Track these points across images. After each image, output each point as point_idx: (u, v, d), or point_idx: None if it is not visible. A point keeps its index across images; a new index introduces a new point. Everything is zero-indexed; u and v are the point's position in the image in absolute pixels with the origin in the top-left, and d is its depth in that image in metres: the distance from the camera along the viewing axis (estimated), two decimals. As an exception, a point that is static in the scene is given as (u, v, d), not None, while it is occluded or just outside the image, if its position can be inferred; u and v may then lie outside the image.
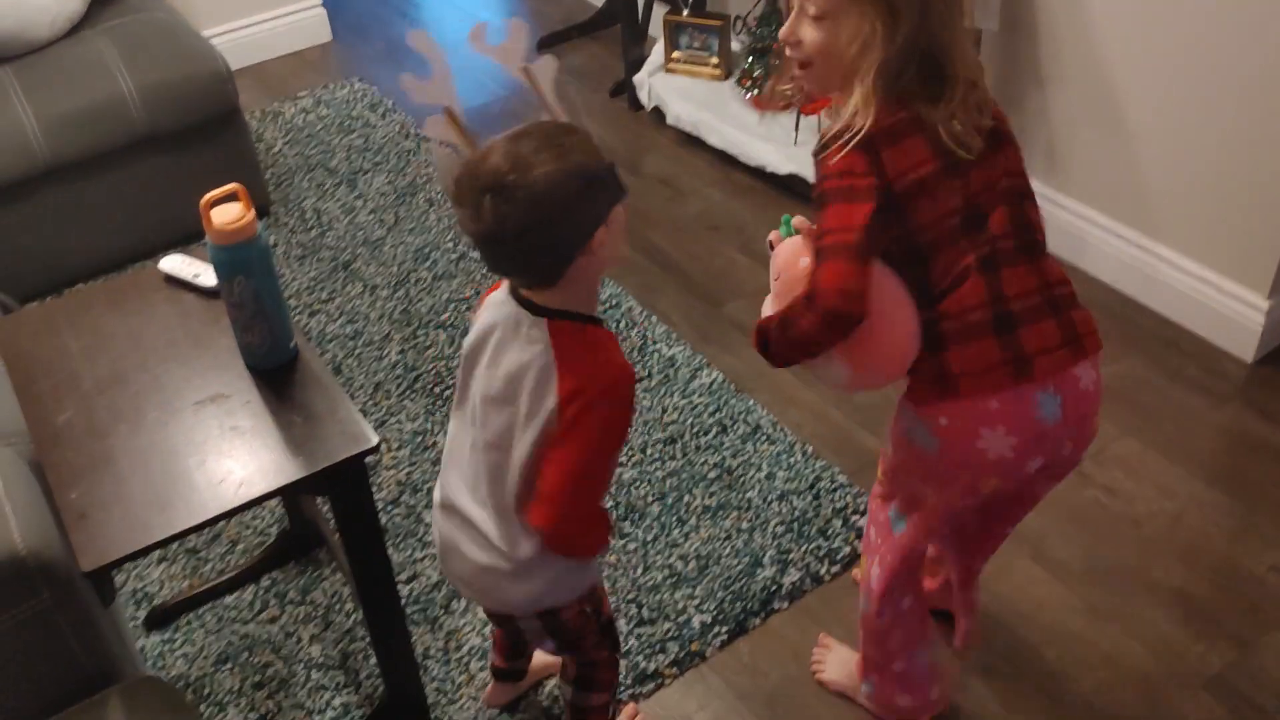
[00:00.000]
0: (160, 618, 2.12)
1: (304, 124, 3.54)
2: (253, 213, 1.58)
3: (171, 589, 2.18)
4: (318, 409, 1.62)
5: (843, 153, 1.37)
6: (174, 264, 1.85)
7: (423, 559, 2.20)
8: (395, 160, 3.34)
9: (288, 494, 1.85)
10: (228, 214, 1.56)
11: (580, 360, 1.40)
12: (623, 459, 2.35)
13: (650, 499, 2.29)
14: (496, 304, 1.48)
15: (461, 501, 1.54)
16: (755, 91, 3.20)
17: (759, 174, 3.15)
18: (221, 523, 1.55)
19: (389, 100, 3.62)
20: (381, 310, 2.81)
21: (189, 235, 2.93)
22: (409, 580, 2.16)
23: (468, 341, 1.51)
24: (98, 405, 1.64)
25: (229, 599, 2.16)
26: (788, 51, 1.44)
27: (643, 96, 3.45)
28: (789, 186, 3.06)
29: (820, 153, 1.41)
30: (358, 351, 2.69)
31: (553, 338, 1.40)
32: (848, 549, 2.16)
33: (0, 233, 2.76)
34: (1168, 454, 2.33)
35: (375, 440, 1.57)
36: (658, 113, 3.42)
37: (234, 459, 1.55)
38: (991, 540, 1.79)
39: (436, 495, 1.61)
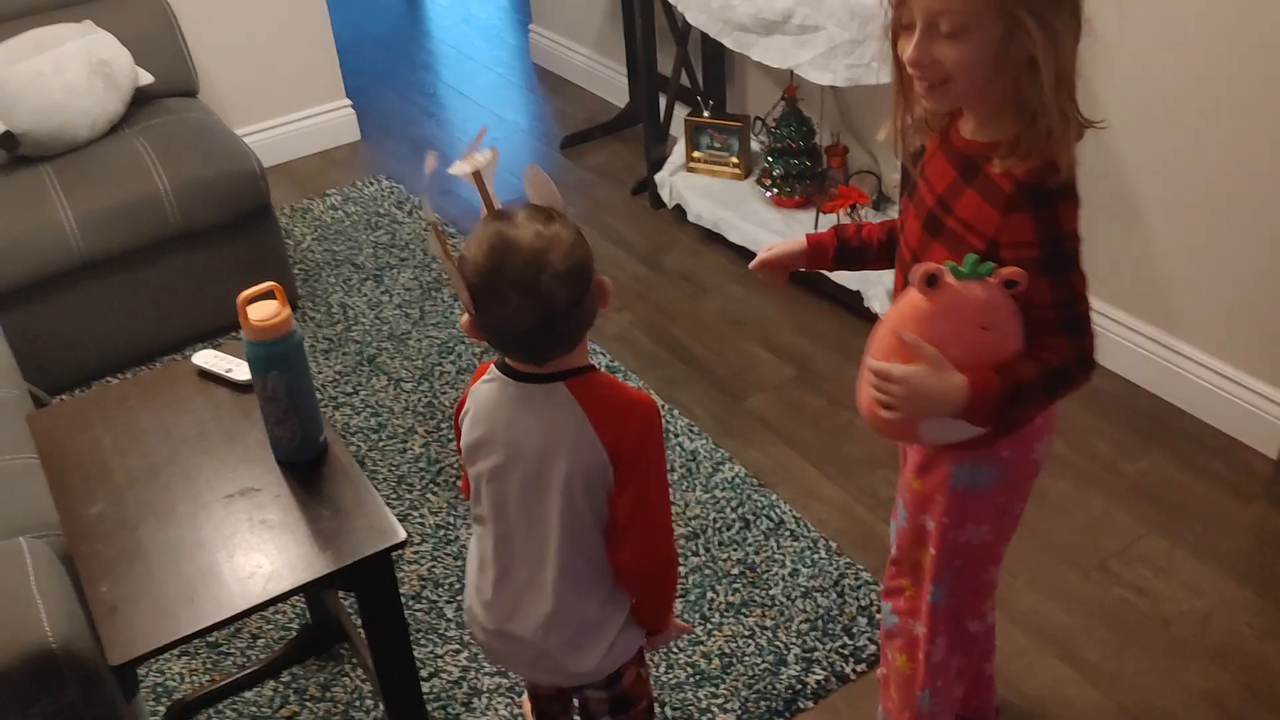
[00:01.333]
0: (181, 713, 2.11)
1: (332, 220, 3.61)
2: (288, 309, 1.62)
3: (192, 683, 2.17)
4: (345, 503, 1.63)
5: (1071, 205, 1.37)
6: (207, 359, 1.89)
7: (443, 655, 2.18)
8: (421, 256, 3.39)
9: (314, 589, 1.85)
10: (264, 310, 1.60)
11: (607, 408, 1.41)
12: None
13: (673, 595, 2.27)
14: (491, 392, 1.46)
15: (524, 600, 1.51)
16: (775, 190, 3.26)
17: (780, 270, 3.18)
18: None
19: (415, 198, 3.69)
20: (406, 403, 2.83)
21: (221, 328, 3.00)
22: (429, 677, 2.14)
23: (471, 435, 1.48)
24: (129, 498, 1.66)
25: (249, 694, 2.14)
26: (916, 74, 1.36)
27: (664, 195, 3.51)
28: (809, 282, 3.10)
29: (1044, 205, 1.35)
30: (382, 444, 2.71)
31: (576, 396, 1.41)
32: (873, 647, 2.14)
33: (36, 325, 2.81)
34: (1196, 552, 2.31)
35: (403, 535, 1.58)
36: (679, 210, 3.48)
37: (263, 553, 1.56)
38: (987, 634, 1.83)
39: (494, 622, 1.55)
